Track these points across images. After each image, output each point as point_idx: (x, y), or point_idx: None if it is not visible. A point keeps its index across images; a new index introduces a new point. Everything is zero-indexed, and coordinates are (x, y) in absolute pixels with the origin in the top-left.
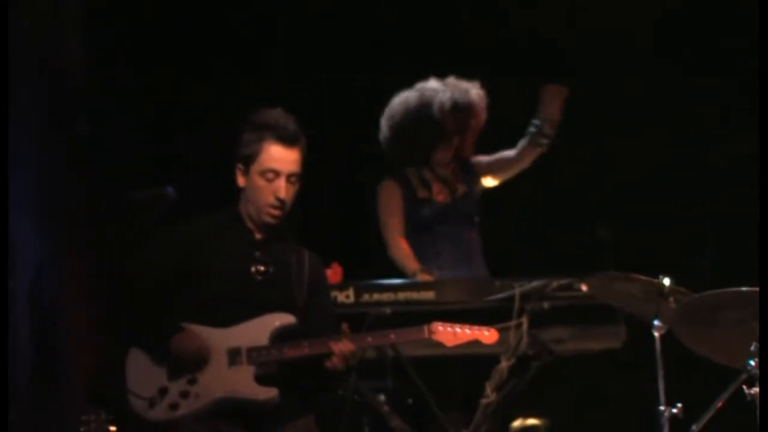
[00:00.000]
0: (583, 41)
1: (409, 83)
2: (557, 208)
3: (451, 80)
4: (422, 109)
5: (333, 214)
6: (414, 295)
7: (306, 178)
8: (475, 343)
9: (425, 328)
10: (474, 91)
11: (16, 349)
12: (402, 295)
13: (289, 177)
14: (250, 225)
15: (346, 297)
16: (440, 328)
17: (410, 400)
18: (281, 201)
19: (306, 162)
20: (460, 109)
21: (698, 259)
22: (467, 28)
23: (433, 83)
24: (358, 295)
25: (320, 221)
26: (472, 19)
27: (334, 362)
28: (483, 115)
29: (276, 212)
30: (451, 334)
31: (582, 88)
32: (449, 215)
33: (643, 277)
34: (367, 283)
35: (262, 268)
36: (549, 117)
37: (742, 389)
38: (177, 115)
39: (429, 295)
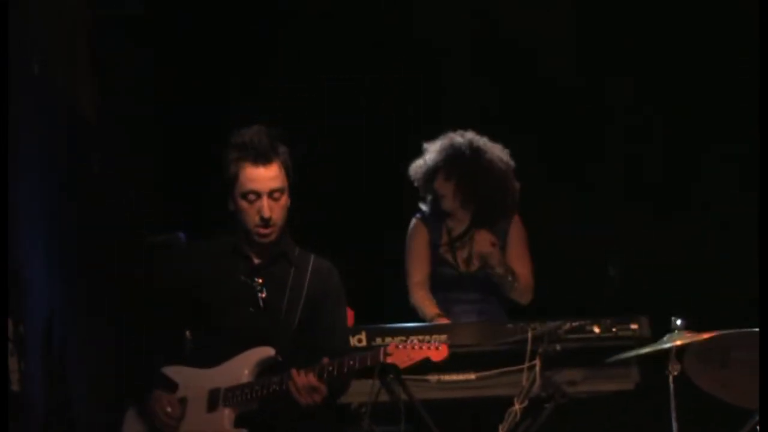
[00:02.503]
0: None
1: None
2: (567, 249)
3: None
4: (428, 149)
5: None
6: (426, 339)
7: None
8: (488, 385)
9: (381, 350)
10: (482, 144)
11: (29, 395)
12: (414, 339)
13: (271, 194)
14: (247, 250)
15: (358, 341)
16: (395, 349)
17: None
18: (266, 220)
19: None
20: (448, 150)
21: (710, 299)
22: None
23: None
24: (370, 339)
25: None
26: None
27: (298, 398)
28: (486, 170)
29: (265, 231)
30: (405, 355)
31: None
32: (467, 284)
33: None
34: (379, 327)
35: (262, 296)
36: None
37: (756, 430)
38: (188, 154)
39: (442, 338)
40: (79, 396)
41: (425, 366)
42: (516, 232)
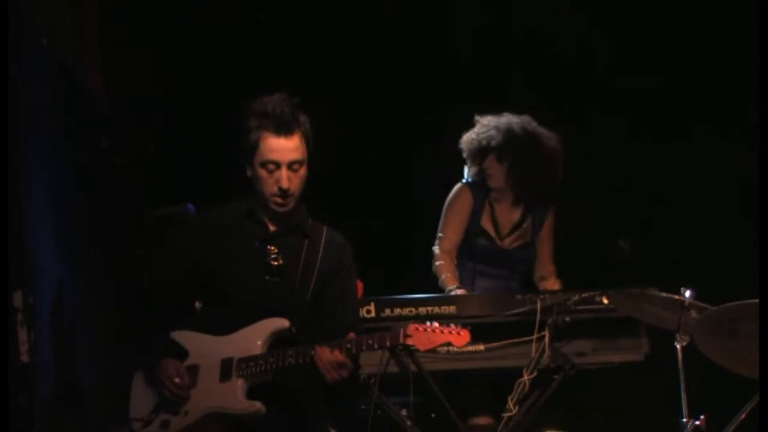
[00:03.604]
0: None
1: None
2: (579, 221)
3: (529, 119)
4: (480, 124)
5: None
6: (435, 310)
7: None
8: (497, 356)
9: (401, 331)
10: (540, 131)
11: (38, 366)
12: (423, 310)
13: (290, 165)
14: (263, 217)
15: (367, 312)
16: (416, 331)
17: (433, 415)
18: (284, 191)
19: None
20: (504, 132)
21: (721, 270)
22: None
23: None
24: (379, 309)
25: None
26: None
27: (325, 374)
28: (539, 158)
29: (281, 201)
30: (426, 338)
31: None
32: (499, 259)
33: (663, 294)
34: (388, 298)
35: (275, 264)
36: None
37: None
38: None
39: (450, 309)
40: (88, 366)
41: None
42: (549, 227)
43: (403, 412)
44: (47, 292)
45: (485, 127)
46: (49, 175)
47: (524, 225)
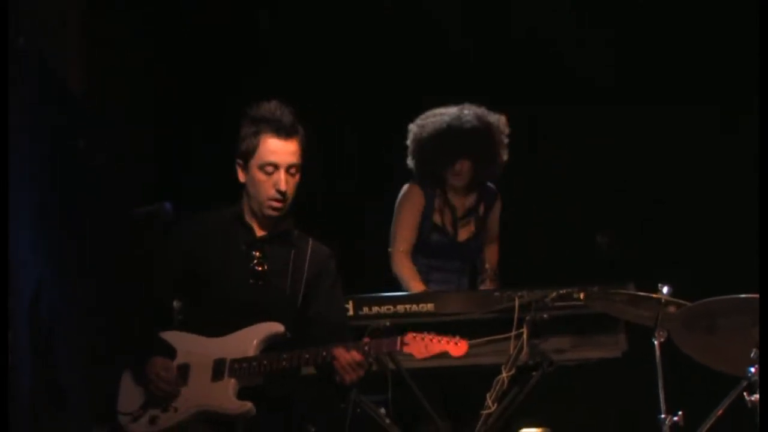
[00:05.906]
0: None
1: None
2: (557, 216)
3: (471, 107)
4: (437, 129)
5: (327, 223)
6: (413, 307)
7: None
8: (476, 354)
9: (398, 339)
10: (491, 118)
11: (16, 367)
12: (401, 308)
13: (288, 168)
14: (251, 222)
15: None
16: (413, 339)
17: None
18: (282, 193)
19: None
20: (470, 132)
21: (697, 266)
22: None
23: (453, 108)
24: (357, 307)
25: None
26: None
27: (343, 375)
28: (499, 145)
29: (278, 204)
30: (423, 346)
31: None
32: (454, 252)
33: (641, 293)
34: (366, 296)
35: (259, 269)
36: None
37: (743, 396)
38: (177, 133)
39: (428, 306)
40: (69, 366)
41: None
42: (497, 215)
43: (382, 411)
44: (25, 292)
45: (442, 134)
46: (27, 173)
47: (479, 210)
